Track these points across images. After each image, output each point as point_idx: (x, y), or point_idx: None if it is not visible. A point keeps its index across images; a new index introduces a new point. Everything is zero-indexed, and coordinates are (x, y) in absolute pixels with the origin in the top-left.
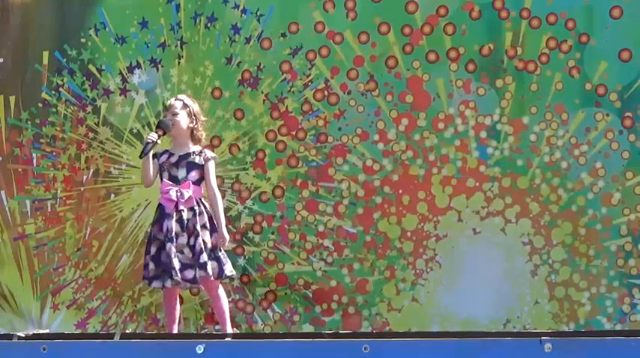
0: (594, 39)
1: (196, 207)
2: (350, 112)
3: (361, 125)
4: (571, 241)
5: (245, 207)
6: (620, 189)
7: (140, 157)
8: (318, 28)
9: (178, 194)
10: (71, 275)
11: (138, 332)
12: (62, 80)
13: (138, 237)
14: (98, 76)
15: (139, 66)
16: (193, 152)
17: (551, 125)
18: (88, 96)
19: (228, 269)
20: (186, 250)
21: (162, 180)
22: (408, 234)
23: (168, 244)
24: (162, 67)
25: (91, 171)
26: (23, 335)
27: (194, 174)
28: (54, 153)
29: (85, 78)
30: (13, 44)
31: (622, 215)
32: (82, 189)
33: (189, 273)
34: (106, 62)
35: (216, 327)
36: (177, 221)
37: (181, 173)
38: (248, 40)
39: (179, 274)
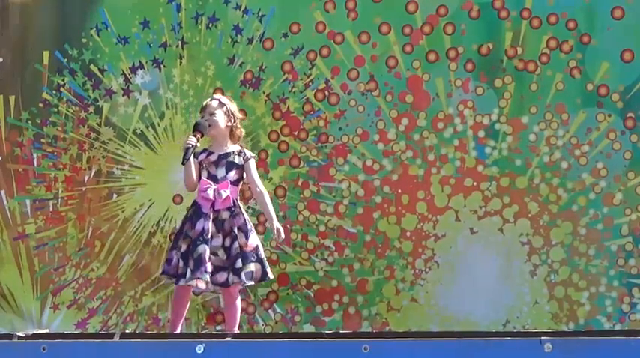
0: (595, 39)
1: (233, 208)
2: (350, 112)
3: (362, 125)
4: (570, 241)
5: (248, 207)
6: (622, 189)
7: (182, 163)
8: (319, 29)
9: (216, 193)
10: (72, 275)
11: (138, 332)
12: (63, 80)
13: (141, 237)
14: (100, 76)
15: (141, 66)
16: (233, 151)
17: (551, 125)
18: (90, 97)
19: (270, 272)
20: (221, 252)
21: (200, 178)
22: (408, 233)
23: (204, 246)
24: (164, 67)
25: (93, 171)
26: (23, 335)
27: (233, 174)
28: (55, 153)
29: (86, 78)
30: (13, 44)
31: (623, 215)
32: (84, 189)
33: (222, 277)
34: (109, 62)
35: (217, 328)
36: (212, 221)
37: (220, 172)
38: (250, 41)
39: (209, 278)
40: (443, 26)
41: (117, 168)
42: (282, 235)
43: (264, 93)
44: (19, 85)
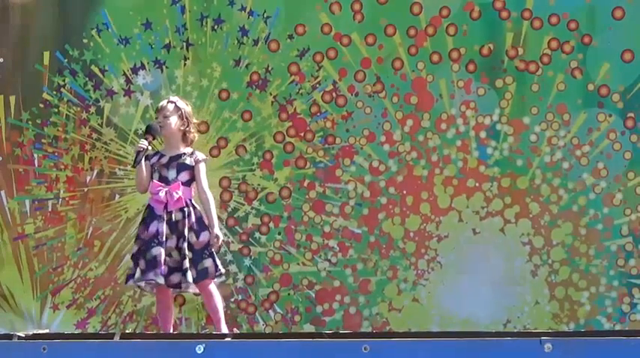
0: (596, 40)
1: (186, 209)
2: (357, 114)
3: (368, 126)
4: (571, 241)
5: (252, 208)
6: (622, 189)
7: (133, 166)
8: (324, 30)
9: (168, 195)
10: (70, 275)
11: (138, 332)
12: (64, 80)
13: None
14: (101, 76)
15: (143, 67)
16: (184, 153)
17: (552, 125)
18: (91, 97)
19: (220, 266)
20: (175, 253)
21: (152, 181)
22: (411, 234)
23: (159, 248)
24: (166, 68)
25: (95, 171)
26: (23, 335)
27: (184, 175)
28: (56, 154)
29: (87, 78)
30: (14, 44)
31: (623, 215)
32: (86, 189)
33: (176, 278)
34: (110, 63)
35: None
36: (166, 222)
37: (171, 174)
38: (256, 42)
39: (164, 280)
40: (445, 27)
41: (119, 169)
42: (220, 242)
43: (271, 94)
44: (19, 85)
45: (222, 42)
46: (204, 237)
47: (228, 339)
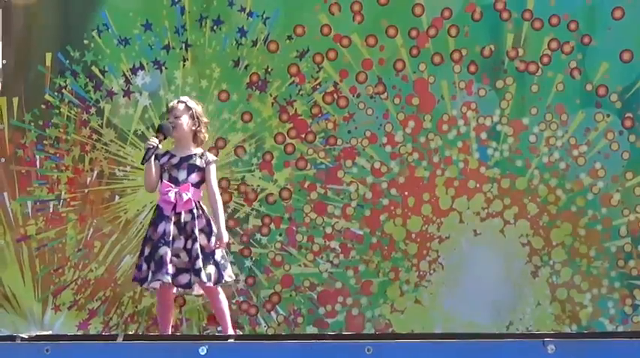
0: (596, 40)
1: (195, 210)
2: (359, 115)
3: (370, 128)
4: (571, 242)
5: (253, 209)
6: (620, 189)
7: (142, 163)
8: (324, 31)
9: (177, 196)
10: (71, 276)
11: (139, 333)
12: (65, 82)
13: (142, 238)
14: (101, 77)
15: (142, 67)
16: (195, 154)
17: (551, 126)
18: (92, 98)
19: (227, 275)
20: (183, 254)
21: (162, 181)
22: (413, 235)
23: (165, 248)
24: (165, 68)
25: (95, 172)
26: (26, 337)
27: (194, 177)
28: (57, 155)
29: (88, 79)
30: (16, 45)
31: (622, 216)
32: (87, 190)
33: (184, 278)
34: (110, 64)
35: (219, 328)
36: (175, 223)
37: (182, 175)
38: (255, 43)
39: (171, 279)
40: (447, 28)
41: (119, 170)
42: (225, 245)
43: (271, 95)
44: (22, 86)
45: (221, 43)
46: (214, 242)
47: (232, 341)
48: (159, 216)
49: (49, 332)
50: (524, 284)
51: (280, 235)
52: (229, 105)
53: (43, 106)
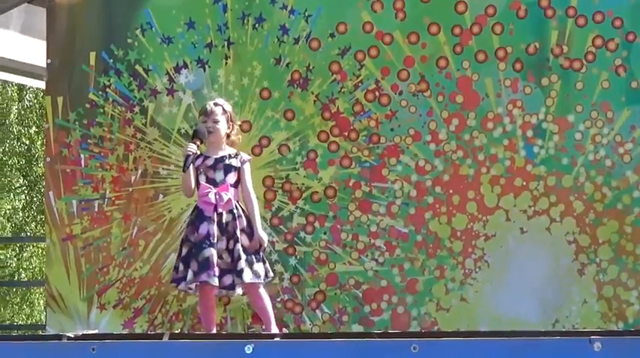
0: None
1: (235, 210)
2: (402, 113)
3: (413, 125)
4: (617, 240)
5: (297, 207)
6: None
7: (183, 171)
8: (366, 29)
9: (217, 197)
10: (116, 275)
11: (185, 331)
12: (109, 81)
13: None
14: (145, 76)
15: (185, 66)
16: (229, 155)
17: (597, 123)
18: (136, 97)
19: (266, 272)
20: (225, 255)
21: (198, 183)
22: (458, 233)
23: (210, 249)
24: (209, 67)
25: (140, 171)
26: (72, 336)
27: (231, 177)
28: (102, 154)
29: (132, 78)
30: (61, 45)
31: None
32: (131, 189)
33: (228, 279)
34: (153, 62)
35: (264, 327)
36: (217, 224)
37: (219, 176)
38: (297, 41)
39: (217, 281)
40: (492, 26)
41: (162, 169)
42: (265, 246)
43: (312, 93)
44: (66, 86)
45: (263, 40)
46: (256, 241)
47: (277, 339)
48: (199, 217)
49: (95, 331)
50: (571, 282)
51: (325, 233)
52: (272, 103)
53: (87, 105)
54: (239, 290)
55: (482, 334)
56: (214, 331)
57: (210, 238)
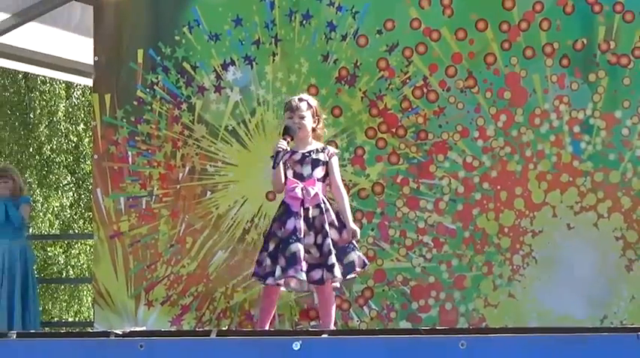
0: None
1: (322, 205)
2: (450, 109)
3: (461, 122)
4: None
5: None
6: None
7: (273, 168)
8: (414, 25)
9: (304, 191)
10: (163, 272)
11: (232, 328)
12: (157, 78)
13: (235, 234)
14: (192, 73)
15: (233, 63)
16: (316, 149)
17: None
18: (183, 94)
19: (359, 266)
20: (314, 250)
21: (286, 178)
22: (506, 229)
23: (297, 244)
24: (256, 64)
25: (187, 168)
26: (120, 333)
27: (319, 171)
28: (149, 151)
29: (179, 75)
30: (108, 43)
31: None
32: (178, 186)
33: (317, 274)
34: (200, 59)
35: (312, 323)
36: (304, 219)
37: (306, 170)
38: (344, 37)
39: (305, 276)
40: (539, 22)
41: (210, 166)
42: (357, 237)
43: (360, 90)
44: (113, 83)
45: (310, 37)
46: (346, 233)
47: (325, 336)
48: (286, 212)
49: (143, 328)
50: (619, 278)
51: (372, 230)
52: (319, 99)
53: (135, 103)
54: (293, 284)
55: (529, 330)
56: (267, 327)
57: (297, 233)
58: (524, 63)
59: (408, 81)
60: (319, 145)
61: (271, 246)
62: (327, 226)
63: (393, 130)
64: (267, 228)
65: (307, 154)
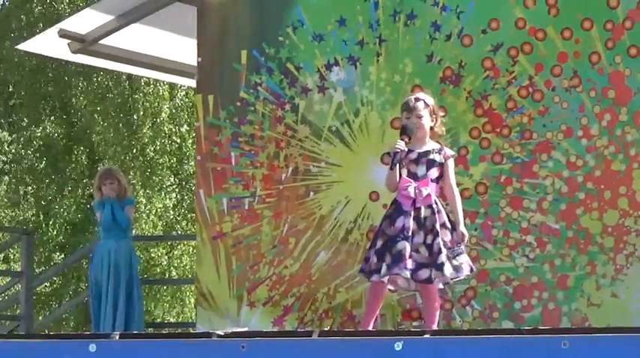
0: None
1: (434, 205)
2: (554, 109)
3: (565, 121)
4: None
5: (447, 204)
6: None
7: (391, 168)
8: (519, 25)
9: (417, 191)
10: (266, 273)
11: (334, 329)
12: (260, 79)
13: (338, 234)
14: (296, 73)
15: (336, 63)
16: (433, 149)
17: None
18: (287, 95)
19: (467, 269)
20: (422, 249)
21: (400, 177)
22: (609, 229)
23: (404, 242)
24: (360, 64)
25: (290, 169)
26: (222, 334)
27: (433, 172)
28: (252, 152)
29: (283, 76)
30: (211, 44)
31: None
32: (281, 187)
33: (424, 273)
34: (304, 60)
35: (414, 323)
36: (414, 219)
37: (421, 170)
38: (448, 37)
39: (410, 275)
40: None
41: (313, 166)
42: (466, 240)
43: (465, 90)
44: (217, 84)
45: (414, 37)
46: (457, 236)
47: (427, 336)
48: (397, 210)
49: (245, 329)
50: None
51: (476, 230)
52: None
53: (238, 103)
54: (400, 282)
55: (633, 330)
56: (372, 324)
57: (405, 231)
58: (629, 62)
59: (513, 81)
60: (436, 146)
61: (379, 243)
62: (438, 226)
63: (498, 130)
64: (377, 225)
65: (423, 154)
